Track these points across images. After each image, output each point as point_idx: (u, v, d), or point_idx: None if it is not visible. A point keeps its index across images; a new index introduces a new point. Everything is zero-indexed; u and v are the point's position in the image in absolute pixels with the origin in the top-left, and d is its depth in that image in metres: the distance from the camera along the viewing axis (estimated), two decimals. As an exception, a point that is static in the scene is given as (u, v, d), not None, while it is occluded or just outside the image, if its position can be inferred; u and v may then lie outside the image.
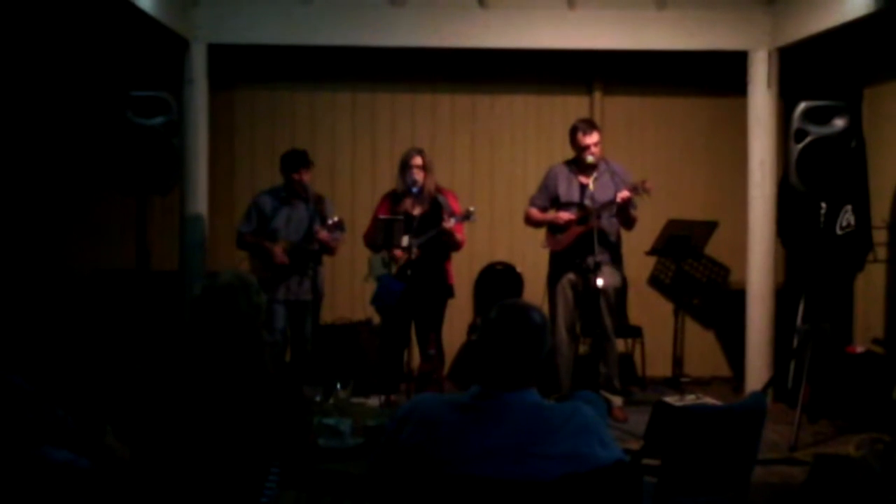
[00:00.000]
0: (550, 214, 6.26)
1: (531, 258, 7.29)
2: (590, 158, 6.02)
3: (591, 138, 6.06)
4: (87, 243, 7.42)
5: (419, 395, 2.71)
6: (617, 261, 6.27)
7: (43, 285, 7.14)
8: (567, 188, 6.20)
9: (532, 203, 6.39)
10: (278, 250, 6.15)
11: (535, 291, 7.02)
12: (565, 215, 6.14)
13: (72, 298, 7.16)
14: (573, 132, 6.15)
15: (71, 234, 7.43)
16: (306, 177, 6.20)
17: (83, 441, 3.21)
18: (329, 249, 6.23)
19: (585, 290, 6.10)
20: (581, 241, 6.03)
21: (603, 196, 6.00)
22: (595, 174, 6.06)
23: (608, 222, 6.13)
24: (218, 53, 6.84)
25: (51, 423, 3.19)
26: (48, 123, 7.34)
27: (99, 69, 7.37)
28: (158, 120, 5.94)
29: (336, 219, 6.07)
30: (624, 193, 5.90)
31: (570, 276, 6.18)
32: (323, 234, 6.05)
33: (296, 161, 6.21)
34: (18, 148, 7.18)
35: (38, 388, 3.21)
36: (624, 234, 6.33)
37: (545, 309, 6.39)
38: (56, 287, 7.20)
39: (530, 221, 6.43)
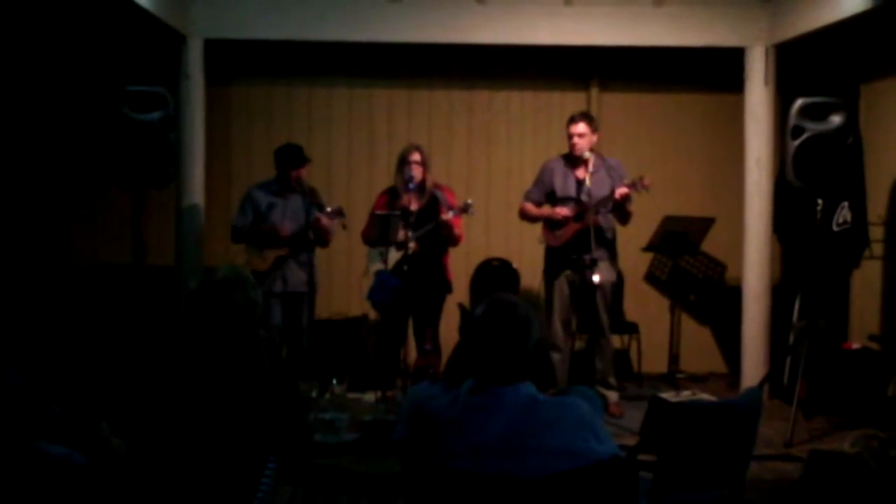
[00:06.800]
0: (546, 209, 6.25)
1: (527, 254, 7.29)
2: (586, 154, 5.96)
3: (576, 128, 6.05)
4: (84, 238, 7.42)
5: (416, 387, 2.69)
6: (612, 257, 6.27)
7: (39, 280, 7.13)
8: (563, 182, 6.19)
9: (527, 197, 6.37)
10: (283, 228, 6.12)
11: (531, 287, 7.02)
12: (562, 210, 6.13)
13: (68, 293, 7.16)
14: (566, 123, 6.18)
15: (67, 229, 7.41)
16: (303, 173, 6.18)
17: (79, 436, 3.20)
18: (324, 240, 6.21)
19: (582, 286, 6.08)
20: (578, 237, 6.02)
21: (599, 191, 5.96)
22: (591, 169, 5.96)
23: (604, 218, 6.12)
24: (214, 49, 6.84)
25: (47, 418, 3.19)
26: (44, 118, 7.31)
27: (95, 64, 7.35)
28: (155, 115, 5.93)
29: (336, 207, 6.05)
30: (622, 190, 5.88)
31: (567, 272, 6.17)
32: (325, 220, 6.03)
33: (296, 159, 6.14)
34: (14, 142, 7.16)
35: (33, 382, 3.21)
36: (620, 230, 6.32)
37: (541, 305, 6.43)
38: (52, 281, 7.19)
39: (525, 216, 6.41)
